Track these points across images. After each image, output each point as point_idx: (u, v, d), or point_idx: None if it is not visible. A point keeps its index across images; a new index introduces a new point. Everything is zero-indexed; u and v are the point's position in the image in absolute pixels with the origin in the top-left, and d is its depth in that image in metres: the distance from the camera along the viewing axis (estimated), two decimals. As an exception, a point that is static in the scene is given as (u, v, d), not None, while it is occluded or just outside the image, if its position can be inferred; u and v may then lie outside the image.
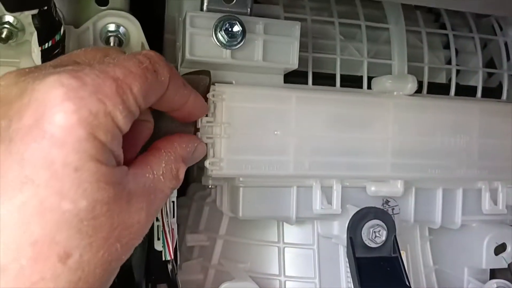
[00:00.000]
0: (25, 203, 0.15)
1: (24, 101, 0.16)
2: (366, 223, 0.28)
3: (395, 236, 0.28)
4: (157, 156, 0.20)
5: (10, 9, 0.21)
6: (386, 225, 0.28)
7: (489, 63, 0.36)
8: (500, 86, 0.34)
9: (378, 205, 0.30)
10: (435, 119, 0.30)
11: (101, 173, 0.16)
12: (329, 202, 0.29)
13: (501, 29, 0.35)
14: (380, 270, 0.27)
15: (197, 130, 0.26)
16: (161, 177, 0.20)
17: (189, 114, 0.23)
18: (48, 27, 0.22)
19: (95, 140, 0.16)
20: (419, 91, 0.31)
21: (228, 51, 0.25)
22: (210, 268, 0.33)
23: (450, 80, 0.33)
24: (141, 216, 0.18)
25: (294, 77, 0.29)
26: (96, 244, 0.16)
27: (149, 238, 0.25)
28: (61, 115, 0.16)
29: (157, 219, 0.25)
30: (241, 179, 0.27)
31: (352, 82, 0.30)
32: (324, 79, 0.30)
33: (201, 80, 0.26)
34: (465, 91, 0.33)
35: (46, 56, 0.23)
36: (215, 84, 0.26)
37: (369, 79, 0.31)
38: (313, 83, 0.30)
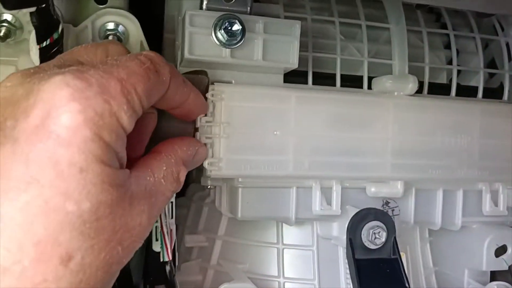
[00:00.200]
0: (29, 203, 0.15)
1: (30, 102, 0.16)
2: (365, 224, 0.28)
3: (395, 237, 0.28)
4: (158, 159, 0.20)
5: (8, 7, 0.20)
6: (386, 227, 0.28)
7: (490, 64, 0.36)
8: (501, 86, 0.34)
9: (378, 206, 0.30)
10: (435, 120, 0.30)
11: (105, 174, 0.16)
12: (329, 203, 0.28)
13: (502, 29, 0.35)
14: (380, 272, 0.27)
15: (196, 129, 0.25)
16: (162, 180, 0.20)
17: (189, 112, 0.23)
18: (46, 25, 0.22)
19: (100, 141, 0.16)
20: (419, 91, 0.30)
21: (228, 50, 0.25)
22: (209, 269, 0.33)
23: (451, 81, 0.33)
24: (143, 218, 0.18)
25: (294, 77, 0.29)
26: (98, 246, 0.16)
27: (147, 239, 0.25)
28: (67, 115, 0.16)
29: (156, 220, 0.25)
30: (240, 179, 0.27)
31: (352, 82, 0.30)
32: (324, 79, 0.30)
33: (200, 80, 0.26)
34: (466, 92, 0.33)
35: (44, 54, 0.23)
36: (214, 83, 0.26)
37: (370, 79, 0.30)
38: (313, 83, 0.29)
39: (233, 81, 0.27)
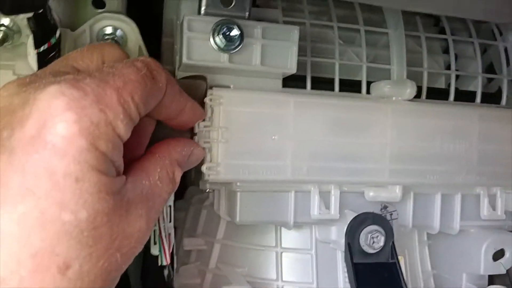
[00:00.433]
0: (25, 215, 0.15)
1: (26, 111, 0.16)
2: (364, 228, 0.28)
3: (393, 242, 0.28)
4: (152, 161, 0.20)
5: (5, 12, 0.20)
6: (384, 231, 0.28)
7: (489, 68, 0.36)
8: (500, 91, 0.34)
9: (376, 210, 0.30)
10: (434, 125, 0.30)
11: (102, 183, 0.16)
12: (327, 207, 0.28)
13: (500, 34, 0.35)
14: (378, 276, 0.27)
15: (193, 135, 0.25)
16: (158, 182, 0.20)
17: (186, 123, 0.23)
18: (43, 30, 0.22)
19: (96, 151, 0.16)
20: (418, 96, 0.30)
21: (226, 55, 0.25)
22: (207, 273, 0.32)
23: (449, 85, 0.33)
24: (141, 224, 0.18)
25: (292, 82, 0.29)
26: (96, 254, 0.16)
27: (145, 243, 0.25)
28: (62, 125, 0.16)
29: (154, 224, 0.24)
30: (238, 184, 0.27)
31: (351, 86, 0.30)
32: (322, 84, 0.30)
33: (198, 85, 0.26)
34: (465, 96, 0.33)
35: (42, 59, 0.23)
36: (213, 88, 0.26)
37: (368, 84, 0.30)
38: (312, 88, 0.29)
39: (232, 86, 0.27)
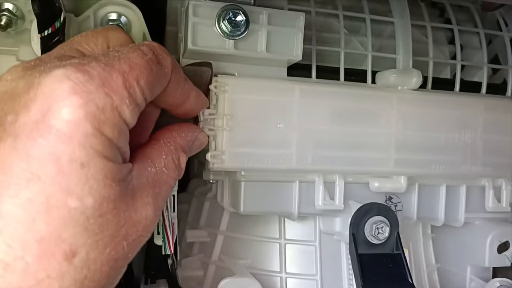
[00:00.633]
0: (31, 200, 0.15)
1: (31, 96, 0.16)
2: (369, 219, 0.27)
3: (398, 232, 0.28)
4: (156, 148, 0.20)
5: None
6: (389, 222, 0.27)
7: (494, 60, 0.35)
8: (505, 82, 0.34)
9: (381, 201, 0.30)
10: (439, 115, 0.29)
11: (107, 169, 0.16)
12: (332, 197, 0.28)
13: (506, 25, 0.35)
14: (383, 267, 0.27)
15: (197, 123, 0.25)
16: (164, 168, 0.19)
17: (190, 111, 0.23)
18: (47, 14, 0.22)
19: (101, 136, 0.16)
20: (423, 86, 0.30)
21: (231, 41, 0.25)
22: (210, 264, 0.32)
23: (454, 76, 0.33)
24: (148, 211, 0.18)
25: (297, 70, 0.28)
26: (102, 242, 0.16)
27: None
28: (67, 109, 0.15)
29: (161, 212, 0.24)
30: (242, 173, 0.27)
31: (356, 76, 0.30)
32: (327, 73, 0.30)
33: (203, 72, 0.26)
34: (470, 87, 0.33)
35: (46, 43, 0.22)
36: (218, 75, 0.26)
37: (373, 73, 0.30)
38: (317, 77, 0.29)
39: (236, 74, 0.27)
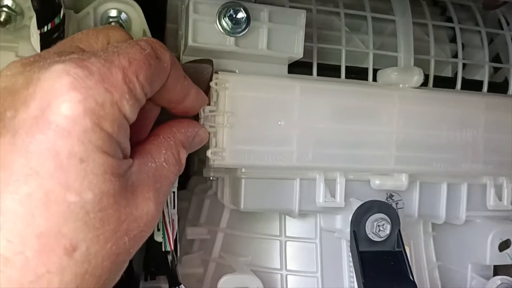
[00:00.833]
0: (29, 195, 0.15)
1: (30, 91, 0.16)
2: (370, 216, 0.27)
3: (399, 230, 0.28)
4: (156, 143, 0.20)
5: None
6: (390, 219, 0.27)
7: (495, 59, 0.35)
8: (506, 81, 0.34)
9: (382, 199, 0.30)
10: (440, 113, 0.29)
11: (107, 164, 0.16)
12: (333, 195, 0.28)
13: (507, 23, 0.34)
14: (384, 265, 0.27)
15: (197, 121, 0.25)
16: (164, 163, 0.19)
17: (189, 109, 0.23)
18: (47, 10, 0.22)
19: (101, 131, 0.16)
20: (424, 84, 0.30)
21: (232, 39, 0.25)
22: (210, 262, 0.32)
23: (456, 74, 0.33)
24: (150, 206, 0.18)
25: (298, 68, 0.28)
26: (103, 237, 0.16)
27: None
28: (67, 104, 0.15)
29: (162, 207, 0.24)
30: (243, 170, 0.27)
31: (357, 74, 0.30)
32: (328, 71, 0.30)
33: (204, 69, 0.25)
34: (471, 85, 0.32)
35: (45, 40, 0.22)
36: (218, 72, 0.25)
37: (374, 72, 0.30)
38: (318, 75, 0.29)
39: (237, 71, 0.27)
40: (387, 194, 0.30)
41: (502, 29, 0.34)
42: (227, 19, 0.24)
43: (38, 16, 0.22)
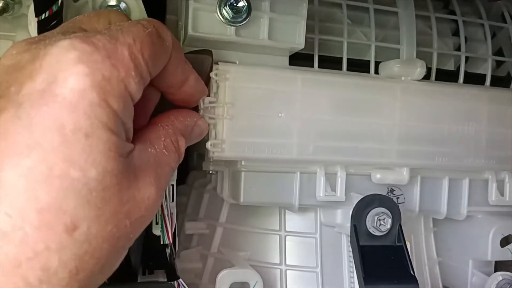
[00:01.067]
0: (32, 169, 0.14)
1: (36, 66, 0.15)
2: (370, 210, 0.27)
3: (400, 224, 0.27)
4: (154, 131, 0.20)
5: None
6: (391, 213, 0.27)
7: (498, 53, 0.35)
8: (509, 75, 0.34)
9: (383, 194, 0.29)
10: (443, 106, 0.29)
11: (112, 142, 0.16)
12: (333, 189, 0.28)
13: (511, 17, 0.34)
14: (384, 259, 0.27)
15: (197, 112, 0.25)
16: (164, 150, 0.19)
17: (189, 97, 0.23)
18: (45, -3, 0.21)
19: (107, 107, 0.16)
20: (427, 77, 0.30)
21: (233, 28, 0.24)
22: (209, 257, 0.32)
23: (458, 68, 0.32)
24: (151, 191, 0.17)
25: (299, 60, 0.28)
26: (104, 217, 0.15)
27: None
28: (74, 78, 0.15)
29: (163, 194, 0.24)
30: (243, 163, 0.26)
31: (359, 66, 0.30)
32: (330, 63, 0.29)
33: (204, 60, 0.25)
34: (474, 79, 0.32)
35: (43, 27, 0.22)
36: (219, 63, 0.25)
37: (376, 64, 0.30)
38: (319, 67, 0.29)
39: (237, 62, 0.26)
40: (388, 188, 0.30)
41: (506, 22, 0.34)
42: (227, 7, 0.24)
43: (36, 4, 0.22)
